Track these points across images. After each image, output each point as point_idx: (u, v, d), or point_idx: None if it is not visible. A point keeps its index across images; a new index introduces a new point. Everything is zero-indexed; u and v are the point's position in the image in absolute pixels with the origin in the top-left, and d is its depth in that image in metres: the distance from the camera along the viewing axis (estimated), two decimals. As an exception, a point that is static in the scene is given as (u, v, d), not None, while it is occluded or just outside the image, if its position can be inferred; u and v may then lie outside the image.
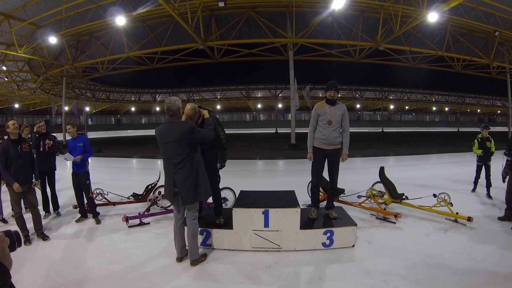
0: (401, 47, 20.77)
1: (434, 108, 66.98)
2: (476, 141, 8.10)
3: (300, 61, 22.05)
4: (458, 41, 21.51)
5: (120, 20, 16.11)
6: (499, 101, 60.51)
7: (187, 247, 4.17)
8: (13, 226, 5.20)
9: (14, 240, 1.16)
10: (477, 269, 3.92)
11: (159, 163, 14.81)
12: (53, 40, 18.39)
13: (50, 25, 18.65)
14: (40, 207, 5.53)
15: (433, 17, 14.41)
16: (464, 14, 17.76)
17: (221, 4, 15.37)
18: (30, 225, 5.02)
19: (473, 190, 8.07)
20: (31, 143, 5.64)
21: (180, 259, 4.16)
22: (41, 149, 6.24)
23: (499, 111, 68.03)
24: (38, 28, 19.22)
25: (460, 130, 55.20)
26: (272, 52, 21.49)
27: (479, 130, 8.31)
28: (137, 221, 5.66)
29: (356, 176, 9.99)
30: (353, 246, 4.60)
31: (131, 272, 3.94)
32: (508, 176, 5.94)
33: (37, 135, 6.32)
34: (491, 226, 5.49)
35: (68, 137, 6.28)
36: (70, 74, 27.42)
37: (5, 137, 4.99)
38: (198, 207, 4.22)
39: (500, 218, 5.81)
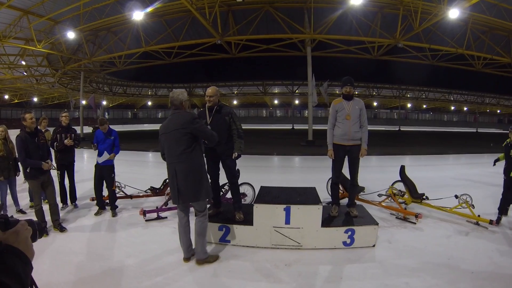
0: (420, 44, 20.36)
1: (452, 108, 65.72)
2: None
3: (317, 57, 21.82)
4: (478, 39, 20.93)
5: (137, 15, 16.23)
6: (521, 102, 59.08)
7: (193, 247, 4.06)
8: (31, 217, 5.24)
9: (36, 230, 1.11)
10: (499, 274, 3.81)
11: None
12: (71, 35, 18.72)
13: (68, 20, 18.98)
14: (58, 199, 5.60)
15: (454, 13, 14.12)
16: (486, 11, 17.31)
17: (239, -1, 15.33)
18: (48, 217, 5.07)
19: (498, 221, 5.49)
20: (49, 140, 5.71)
21: (187, 259, 4.03)
22: (57, 143, 6.17)
23: (520, 112, 66.31)
24: (56, 23, 19.58)
25: (478, 130, 54.01)
26: (289, 48, 21.30)
27: (499, 131, 7.39)
28: (154, 215, 5.66)
29: (374, 174, 9.84)
30: (373, 245, 4.51)
31: (147, 266, 3.93)
32: None
33: (59, 129, 6.38)
34: (514, 230, 5.31)
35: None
36: (87, 68, 27.84)
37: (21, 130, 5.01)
38: (205, 205, 4.08)
39: None
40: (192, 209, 4.12)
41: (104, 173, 6.00)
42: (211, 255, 4.09)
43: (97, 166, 6.04)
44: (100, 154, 6.01)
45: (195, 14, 15.32)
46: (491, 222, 5.27)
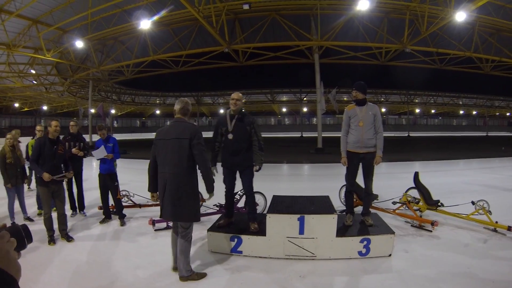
0: (428, 49, 20.37)
1: (461, 112, 65.12)
2: None
3: (325, 64, 21.89)
4: (486, 41, 20.80)
5: (145, 24, 16.37)
6: (531, 104, 58.41)
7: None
8: (38, 225, 5.30)
9: (22, 237, 0.94)
10: (522, 284, 3.66)
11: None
12: (79, 44, 18.94)
13: (76, 29, 19.24)
14: (67, 206, 5.58)
15: (460, 16, 14.06)
16: (492, 13, 17.23)
17: (246, 7, 15.40)
18: (55, 225, 5.04)
19: None
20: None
21: (175, 269, 3.88)
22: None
23: (530, 115, 65.51)
24: (64, 32, 19.85)
25: (489, 134, 53.37)
26: (297, 55, 21.38)
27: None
28: (163, 224, 5.57)
29: (386, 181, 9.70)
30: (390, 255, 4.38)
31: (157, 278, 3.85)
32: None
33: (68, 137, 6.38)
34: (533, 237, 5.14)
35: (95, 138, 6.32)
36: (96, 77, 28.11)
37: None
38: (191, 225, 3.81)
39: None
40: None
41: (107, 182, 5.98)
42: (197, 272, 3.83)
43: (100, 175, 6.03)
44: (102, 162, 6.03)
45: (202, 23, 15.41)
46: (509, 228, 5.09)
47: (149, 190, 3.95)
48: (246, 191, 4.80)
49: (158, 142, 3.75)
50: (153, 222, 5.46)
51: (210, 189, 3.80)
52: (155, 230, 5.48)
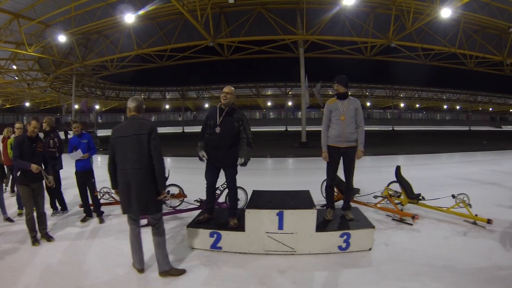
0: (413, 44, 20.57)
1: (445, 107, 66.18)
2: None
3: (311, 58, 21.89)
4: (471, 38, 21.14)
5: (129, 18, 16.11)
6: (512, 100, 59.80)
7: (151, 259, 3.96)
8: (19, 225, 5.22)
9: None
10: (499, 275, 3.73)
11: (169, 161, 14.78)
12: (62, 38, 18.54)
13: (59, 23, 18.80)
14: (48, 205, 5.45)
15: (446, 13, 14.20)
16: (478, 10, 17.48)
17: (231, 0, 15.22)
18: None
19: None
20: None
21: (141, 270, 3.84)
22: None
23: (511, 110, 66.93)
24: (47, 26, 19.36)
25: (471, 128, 54.38)
26: (282, 49, 21.33)
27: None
28: (144, 221, 5.47)
29: (368, 175, 9.77)
30: (370, 249, 4.39)
31: (137, 276, 3.79)
32: None
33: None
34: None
35: (70, 136, 6.20)
36: (79, 72, 27.62)
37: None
38: (160, 214, 3.88)
39: None
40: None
41: (84, 179, 5.87)
42: (175, 268, 3.84)
43: (77, 173, 5.91)
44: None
45: (187, 17, 15.20)
46: (488, 221, 5.17)
47: (113, 188, 3.94)
48: (229, 186, 4.75)
49: (116, 139, 3.74)
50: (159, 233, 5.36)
51: (162, 186, 3.79)
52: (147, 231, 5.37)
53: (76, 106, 28.43)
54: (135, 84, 51.44)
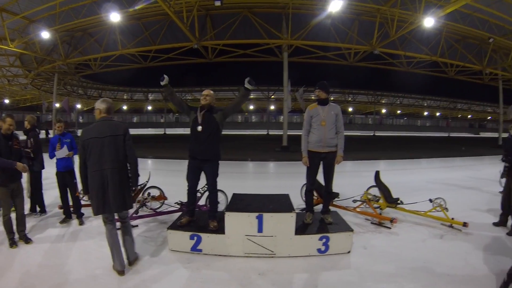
0: (396, 52, 21.00)
1: (425, 113, 67.57)
2: None
3: (294, 63, 21.99)
4: (452, 47, 21.77)
5: (115, 17, 15.93)
6: (490, 107, 61.55)
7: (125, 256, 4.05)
8: None
9: None
10: (475, 276, 3.87)
11: (149, 163, 14.63)
12: (46, 35, 18.12)
13: (43, 19, 18.36)
14: (27, 206, 5.33)
15: (429, 22, 14.49)
16: (460, 20, 18.03)
17: (218, 3, 15.19)
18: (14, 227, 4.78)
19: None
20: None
21: (122, 272, 3.84)
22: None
23: (489, 117, 68.96)
24: (31, 22, 18.89)
25: (451, 135, 55.68)
26: (266, 53, 21.38)
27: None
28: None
29: (348, 179, 9.90)
30: (348, 252, 4.48)
31: (118, 279, 3.76)
32: (505, 182, 5.87)
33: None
34: (486, 232, 5.44)
35: (51, 135, 6.08)
36: (62, 70, 27.09)
37: None
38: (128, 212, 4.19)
39: (494, 224, 5.77)
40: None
41: (66, 179, 5.76)
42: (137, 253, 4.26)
43: (59, 173, 5.79)
44: (59, 159, 5.78)
45: (173, 18, 15.11)
46: (464, 224, 5.35)
47: (85, 192, 3.94)
48: (209, 188, 4.76)
49: (90, 141, 3.77)
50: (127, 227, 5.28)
51: (136, 183, 4.06)
52: (117, 229, 5.28)
53: (57, 105, 27.82)
54: (118, 84, 50.77)
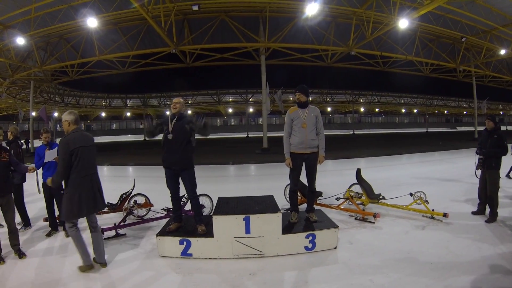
0: (372, 52, 21.47)
1: (403, 110, 69.06)
2: None
3: (272, 65, 22.07)
4: (426, 47, 22.45)
5: (92, 22, 15.67)
6: (465, 103, 63.60)
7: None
8: None
9: None
10: (457, 262, 4.08)
11: (131, 170, 14.49)
12: (20, 41, 17.58)
13: (18, 25, 17.78)
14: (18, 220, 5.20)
15: (403, 23, 14.82)
16: (433, 21, 18.65)
17: (195, 8, 15.20)
18: (4, 241, 4.62)
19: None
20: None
21: (91, 266, 4.17)
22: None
23: (465, 112, 71.15)
24: (5, 28, 18.30)
25: (428, 130, 57.08)
26: (244, 57, 21.43)
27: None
28: (112, 232, 5.36)
29: (331, 178, 10.11)
30: (335, 248, 4.62)
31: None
32: (480, 173, 6.14)
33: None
34: (466, 220, 5.71)
35: (36, 144, 5.97)
36: (38, 77, 26.32)
37: None
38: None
39: (473, 213, 6.07)
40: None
41: (53, 190, 5.50)
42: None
43: (45, 185, 5.52)
44: (46, 169, 5.63)
45: (151, 23, 14.99)
46: (444, 215, 5.62)
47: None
48: (189, 195, 4.85)
49: (79, 149, 4.04)
50: (101, 231, 5.22)
51: None
52: (105, 238, 5.15)
53: (34, 114, 27.10)
54: (96, 91, 49.91)
